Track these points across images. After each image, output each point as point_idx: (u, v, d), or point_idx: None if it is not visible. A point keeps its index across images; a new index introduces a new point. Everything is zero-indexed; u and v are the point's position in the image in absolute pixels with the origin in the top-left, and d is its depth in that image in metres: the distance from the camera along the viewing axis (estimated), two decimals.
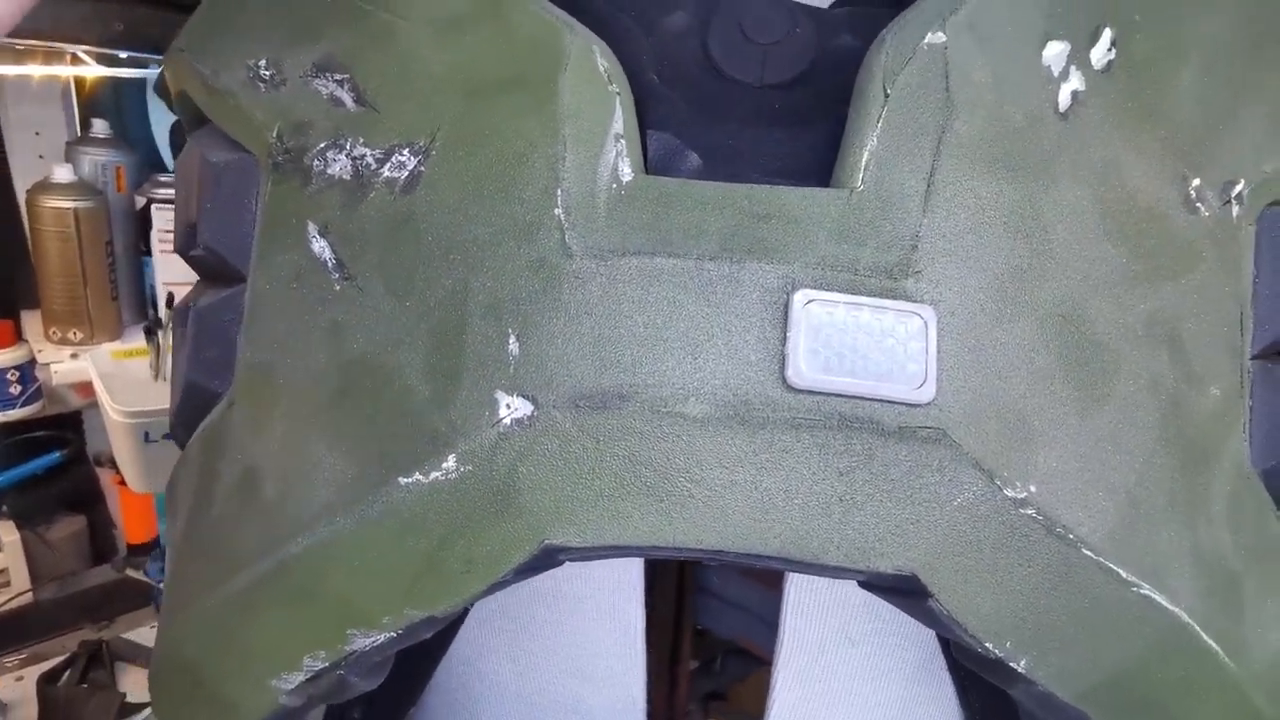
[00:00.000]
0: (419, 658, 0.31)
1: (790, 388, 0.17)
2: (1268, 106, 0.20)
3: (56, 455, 0.98)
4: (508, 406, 0.18)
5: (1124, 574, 0.18)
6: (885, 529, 0.18)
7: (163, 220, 0.88)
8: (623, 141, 0.19)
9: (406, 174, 0.20)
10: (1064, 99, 0.19)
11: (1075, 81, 0.19)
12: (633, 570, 0.26)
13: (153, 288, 0.93)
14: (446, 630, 0.30)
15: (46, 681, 0.86)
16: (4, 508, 0.97)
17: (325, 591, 0.20)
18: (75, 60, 0.84)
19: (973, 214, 0.18)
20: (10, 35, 0.63)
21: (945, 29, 0.19)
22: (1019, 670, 0.19)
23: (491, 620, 0.29)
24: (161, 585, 0.78)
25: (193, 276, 0.24)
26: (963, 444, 0.17)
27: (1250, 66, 0.20)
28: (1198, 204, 0.20)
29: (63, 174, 0.83)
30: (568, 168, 0.18)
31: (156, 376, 0.88)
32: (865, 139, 0.18)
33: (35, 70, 0.84)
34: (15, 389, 0.85)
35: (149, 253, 0.91)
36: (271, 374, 0.21)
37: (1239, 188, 0.20)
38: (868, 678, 0.26)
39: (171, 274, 0.90)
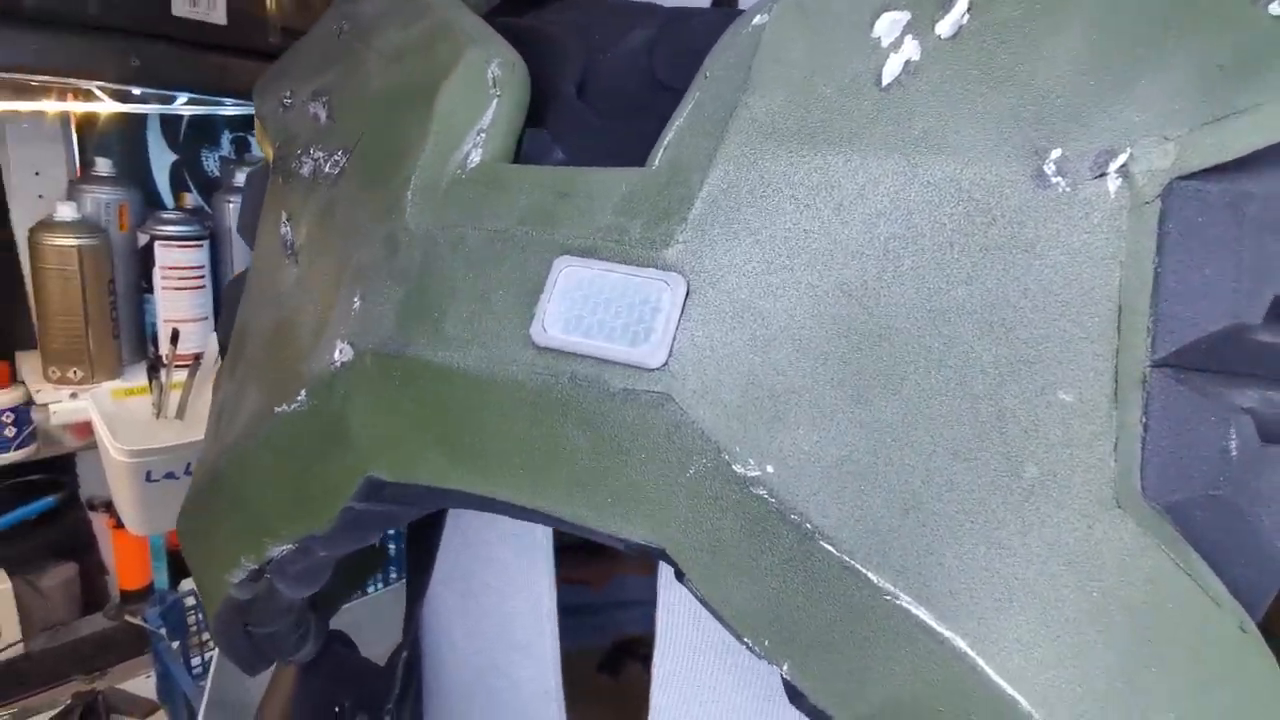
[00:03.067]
0: (410, 609, 0.35)
1: (534, 345, 0.18)
2: (1180, 71, 0.17)
3: (51, 500, 0.96)
4: (340, 352, 0.21)
5: (874, 578, 0.16)
6: (627, 494, 0.18)
7: (165, 257, 0.88)
8: (483, 135, 0.22)
9: (338, 171, 0.25)
10: (890, 70, 0.18)
11: (909, 51, 0.18)
12: (540, 543, 0.27)
13: (153, 325, 0.93)
14: (419, 582, 0.33)
15: None
16: None
17: (244, 503, 0.25)
18: (81, 95, 0.82)
19: (754, 186, 0.18)
20: (27, 71, 0.67)
21: (772, 11, 0.19)
22: (785, 676, 0.17)
23: (449, 579, 0.32)
24: (159, 630, 0.83)
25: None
26: (690, 411, 0.17)
27: (1154, 30, 0.17)
28: (1055, 178, 0.17)
29: (66, 211, 0.81)
30: (424, 159, 0.22)
31: (159, 414, 0.87)
32: (675, 121, 0.19)
33: (47, 106, 0.84)
34: (10, 431, 0.83)
35: (150, 290, 0.91)
36: (244, 332, 0.27)
37: (1121, 159, 0.17)
38: (741, 688, 0.25)
39: (173, 311, 0.90)
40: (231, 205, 0.97)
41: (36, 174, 0.93)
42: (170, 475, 0.86)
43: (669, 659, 0.25)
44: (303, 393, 0.22)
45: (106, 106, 0.85)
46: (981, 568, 0.16)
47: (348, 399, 0.21)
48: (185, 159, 1.08)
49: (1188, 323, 0.17)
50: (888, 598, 0.16)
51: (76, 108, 0.88)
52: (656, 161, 0.19)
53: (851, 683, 0.17)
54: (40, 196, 0.93)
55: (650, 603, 0.27)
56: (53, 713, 0.87)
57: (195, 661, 0.93)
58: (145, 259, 0.92)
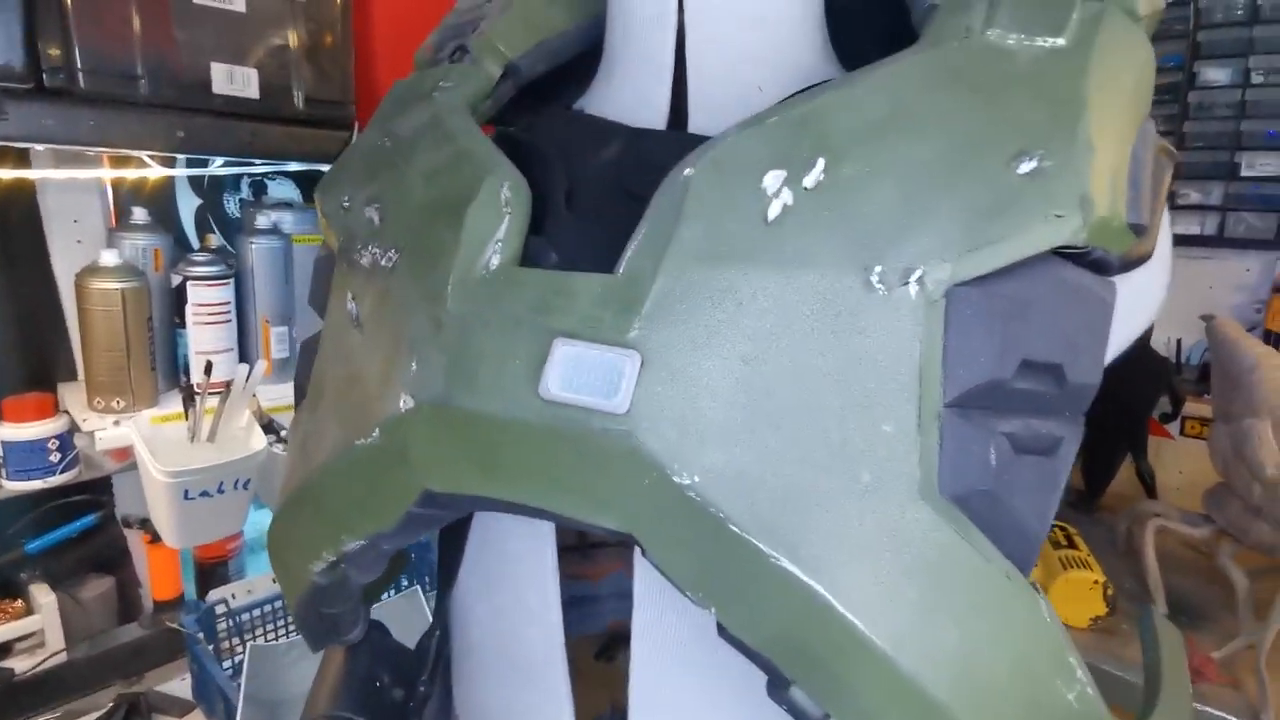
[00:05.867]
0: (440, 604, 0.44)
1: (541, 398, 0.27)
2: (954, 213, 0.26)
3: (91, 518, 1.05)
4: (404, 401, 0.30)
5: (764, 548, 0.25)
6: (605, 497, 0.26)
7: (196, 295, 0.97)
8: (500, 244, 0.31)
9: (391, 264, 0.34)
10: (773, 211, 0.27)
11: (785, 198, 0.27)
12: (545, 535, 0.36)
13: (185, 356, 1.03)
14: (449, 576, 0.42)
15: None
16: (37, 570, 1.03)
17: (327, 509, 0.33)
18: (133, 163, 0.92)
19: (684, 290, 0.27)
20: (90, 143, 0.77)
21: (696, 166, 0.28)
22: (715, 618, 0.26)
23: (474, 569, 0.40)
24: (196, 634, 0.93)
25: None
26: (645, 442, 0.26)
27: (940, 184, 0.26)
28: (878, 285, 0.26)
29: (109, 258, 0.91)
30: (459, 261, 0.30)
31: (193, 439, 0.95)
32: (632, 242, 0.28)
33: (104, 174, 0.95)
34: (55, 456, 0.91)
35: (183, 325, 1.01)
36: (321, 379, 0.36)
37: (918, 273, 0.26)
38: (714, 643, 0.33)
39: (203, 343, 1.00)
40: (254, 246, 1.06)
41: (75, 222, 1.02)
42: (205, 493, 0.95)
43: (647, 639, 0.34)
44: (376, 430, 0.31)
45: (155, 172, 0.95)
46: (834, 540, 0.25)
47: (410, 434, 0.30)
48: (209, 202, 1.17)
49: (964, 379, 0.25)
50: (773, 560, 0.25)
51: (129, 174, 0.97)
52: (620, 270, 0.28)
53: (755, 618, 0.25)
54: (79, 242, 1.03)
55: (627, 595, 0.35)
56: (98, 714, 0.95)
57: (225, 664, 1.02)
58: (178, 297, 1.01)
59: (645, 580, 0.34)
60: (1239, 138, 1.40)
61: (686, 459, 0.25)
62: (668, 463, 0.25)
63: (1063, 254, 0.27)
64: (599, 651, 0.60)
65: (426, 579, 1.15)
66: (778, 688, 0.26)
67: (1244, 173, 1.40)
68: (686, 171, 0.28)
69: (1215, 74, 1.41)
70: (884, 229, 0.26)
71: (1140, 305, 0.33)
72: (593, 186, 0.36)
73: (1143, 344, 1.17)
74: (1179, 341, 1.44)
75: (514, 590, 0.38)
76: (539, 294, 0.29)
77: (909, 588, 0.25)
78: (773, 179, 0.27)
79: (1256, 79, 1.38)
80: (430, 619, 0.48)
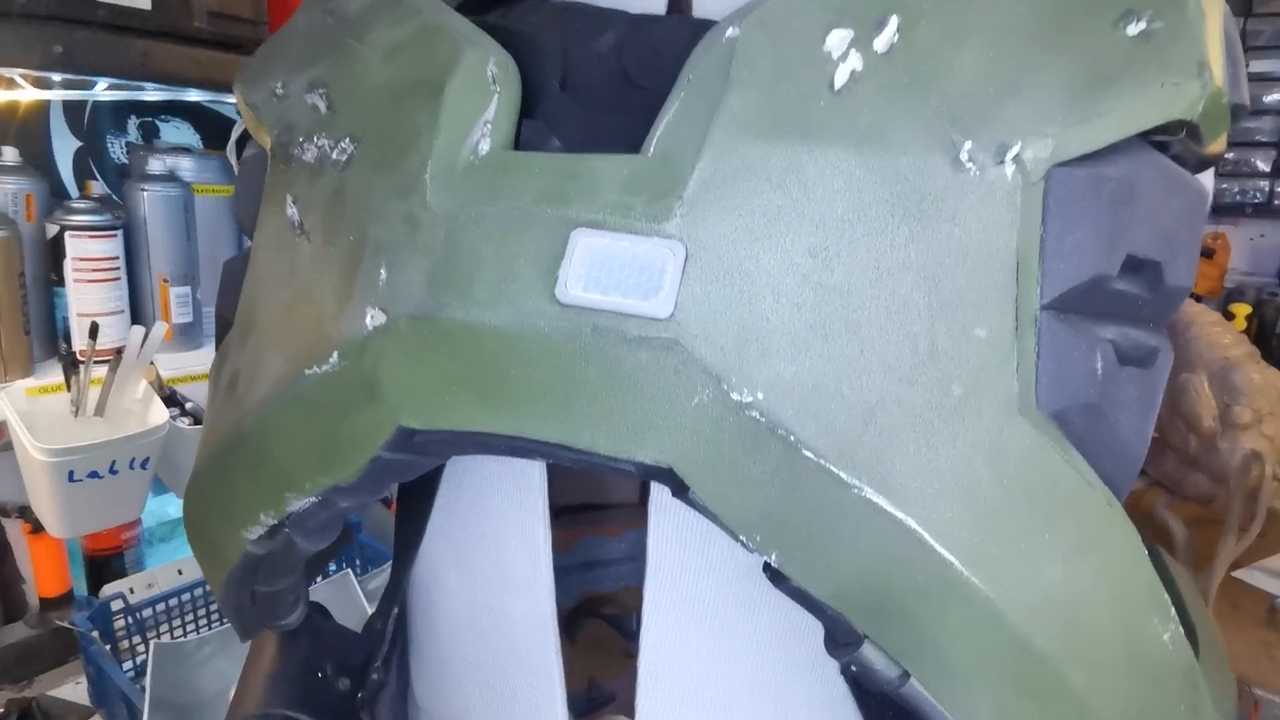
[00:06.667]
0: (397, 574, 0.38)
1: (558, 303, 0.21)
2: (1056, 81, 0.22)
3: None
4: (371, 317, 0.24)
5: (844, 476, 0.20)
6: (641, 424, 0.21)
7: (77, 248, 0.83)
8: (489, 126, 0.25)
9: (346, 157, 0.27)
10: (841, 77, 0.22)
11: (854, 62, 0.22)
12: (535, 488, 0.31)
13: (65, 319, 0.89)
14: (410, 543, 0.36)
15: None
16: None
17: (267, 460, 0.27)
18: (2, 84, 0.77)
19: (736, 170, 0.22)
20: None
21: (741, 26, 0.23)
22: (773, 565, 0.21)
23: (444, 530, 0.35)
24: (90, 633, 0.82)
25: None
26: (694, 352, 0.21)
27: (1037, 49, 0.22)
28: (968, 164, 0.22)
29: None
30: (438, 146, 0.24)
31: (78, 413, 0.82)
32: (664, 116, 0.23)
33: None
34: None
35: (61, 283, 0.87)
36: (254, 305, 0.29)
37: (1015, 149, 0.22)
38: (735, 604, 0.29)
39: (87, 304, 0.86)
40: (145, 193, 0.93)
41: None
42: (94, 474, 0.83)
43: (660, 582, 0.29)
44: (334, 355, 0.24)
45: (28, 94, 0.81)
46: (923, 464, 0.21)
47: (381, 358, 0.24)
48: (90, 146, 1.02)
49: (1066, 275, 0.22)
50: (854, 490, 0.20)
51: None
52: (651, 150, 0.23)
53: (827, 562, 0.21)
54: None
55: (619, 561, 0.30)
56: None
57: (127, 666, 0.91)
58: (54, 251, 0.88)
59: (660, 533, 0.29)
60: None
61: (746, 372, 0.21)
62: (725, 376, 0.21)
63: (1153, 141, 0.23)
64: (564, 625, 0.55)
65: (358, 561, 1.06)
66: (844, 645, 0.22)
67: None
68: (730, 32, 0.23)
69: None
70: (973, 99, 0.22)
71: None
72: (591, 75, 0.30)
73: None
74: None
75: (495, 554, 0.33)
76: (548, 180, 0.23)
77: (1009, 518, 0.21)
78: (837, 40, 0.22)
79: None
80: (366, 608, 0.42)
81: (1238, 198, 1.47)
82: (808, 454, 0.20)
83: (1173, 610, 0.23)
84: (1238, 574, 0.99)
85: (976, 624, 0.21)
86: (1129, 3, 0.22)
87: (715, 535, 0.28)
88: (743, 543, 0.22)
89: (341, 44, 0.30)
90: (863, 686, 0.25)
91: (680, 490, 0.22)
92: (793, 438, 0.20)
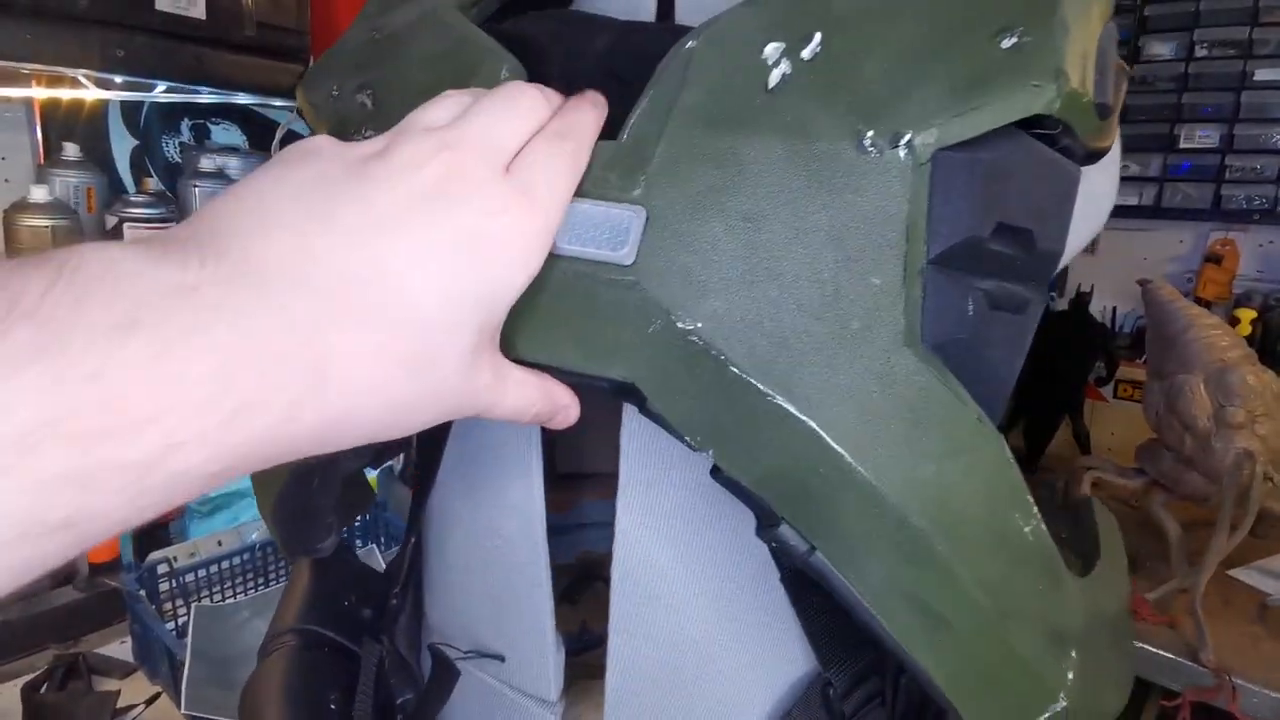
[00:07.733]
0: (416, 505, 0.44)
1: (555, 254, 0.28)
2: (942, 83, 0.28)
3: None
4: None
5: (762, 388, 0.26)
6: (611, 346, 0.27)
7: (133, 238, 0.98)
8: None
9: None
10: (774, 79, 0.28)
11: (785, 68, 0.28)
12: (530, 433, 0.37)
13: None
14: (427, 475, 0.43)
15: (32, 690, 0.88)
16: None
17: None
18: (67, 83, 0.82)
19: (686, 152, 0.28)
20: (19, 60, 0.70)
21: (698, 39, 0.29)
22: (711, 460, 0.27)
23: (457, 467, 0.41)
24: (138, 593, 0.89)
25: None
26: (650, 291, 0.27)
27: (928, 57, 0.28)
28: (870, 148, 0.27)
29: (39, 194, 0.84)
30: None
31: None
32: (637, 109, 0.29)
33: (36, 93, 0.86)
34: None
35: None
36: None
37: (907, 137, 0.27)
38: (692, 521, 0.35)
39: None
40: (198, 189, 1.02)
41: (2, 159, 0.96)
42: None
43: (630, 484, 0.35)
44: None
45: (91, 94, 0.88)
46: (825, 381, 0.26)
47: None
48: (145, 145, 1.12)
49: (946, 236, 0.27)
50: (770, 398, 0.26)
51: (64, 94, 0.90)
52: (624, 136, 0.29)
53: (752, 456, 0.27)
54: (6, 180, 0.97)
55: (612, 522, 0.36)
56: (33, 675, 0.91)
57: (169, 626, 0.98)
58: (114, 240, 0.96)
59: (631, 458, 0.35)
60: (1180, 110, 1.48)
61: (690, 306, 0.27)
62: (673, 309, 0.27)
63: (1036, 135, 0.29)
64: (565, 590, 0.60)
65: (382, 539, 1.13)
66: (767, 527, 0.28)
67: (1183, 144, 1.49)
68: (690, 44, 0.29)
69: (1159, 48, 1.49)
70: (875, 97, 0.28)
71: (1092, 211, 0.36)
72: (586, 75, 0.37)
73: (1081, 313, 1.24)
74: (1114, 310, 1.54)
75: (497, 482, 0.39)
76: None
77: (892, 425, 0.27)
78: (773, 49, 0.28)
79: (1200, 52, 1.45)
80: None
81: (1245, 204, 1.49)
82: (734, 370, 0.26)
83: (1035, 509, 0.28)
84: (1234, 572, 1.02)
85: (864, 506, 0.26)
86: (1005, 21, 0.28)
87: (675, 459, 0.34)
88: (688, 443, 0.27)
89: (385, 55, 0.37)
90: (782, 563, 0.31)
91: (641, 402, 0.28)
92: (723, 358, 0.26)
